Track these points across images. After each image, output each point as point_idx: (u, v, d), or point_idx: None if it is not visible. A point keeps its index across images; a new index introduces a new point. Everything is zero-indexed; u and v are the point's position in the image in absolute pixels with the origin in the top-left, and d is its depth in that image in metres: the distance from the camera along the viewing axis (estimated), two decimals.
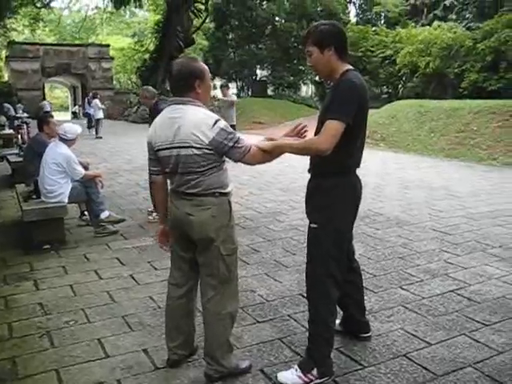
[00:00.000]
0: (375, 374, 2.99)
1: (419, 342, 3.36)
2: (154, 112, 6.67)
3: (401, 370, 3.04)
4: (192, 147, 2.68)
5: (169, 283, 3.13)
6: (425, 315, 3.76)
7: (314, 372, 2.88)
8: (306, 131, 2.93)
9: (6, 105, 23.34)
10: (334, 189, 2.82)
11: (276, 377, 2.93)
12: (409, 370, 3.02)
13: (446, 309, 3.86)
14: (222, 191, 2.83)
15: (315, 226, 2.87)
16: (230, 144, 2.70)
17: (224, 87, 12.79)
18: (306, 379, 2.87)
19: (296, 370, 2.90)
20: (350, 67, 2.82)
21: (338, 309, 3.17)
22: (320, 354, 2.92)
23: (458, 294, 4.13)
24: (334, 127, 2.62)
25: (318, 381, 2.89)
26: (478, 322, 3.64)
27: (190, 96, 2.77)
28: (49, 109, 24.45)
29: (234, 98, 12.93)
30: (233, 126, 11.40)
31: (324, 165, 2.83)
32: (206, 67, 2.88)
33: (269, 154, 2.84)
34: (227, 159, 2.85)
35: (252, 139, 3.03)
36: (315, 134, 2.80)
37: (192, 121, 2.69)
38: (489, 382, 2.89)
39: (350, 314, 3.39)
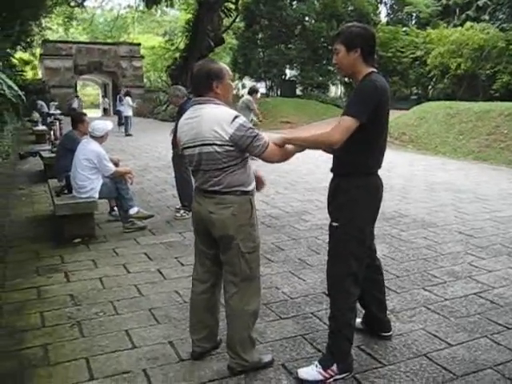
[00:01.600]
0: (395, 373, 3.04)
1: (440, 342, 3.39)
2: (182, 111, 6.78)
3: (420, 369, 3.07)
4: (213, 144, 2.77)
5: (193, 278, 3.23)
6: (447, 316, 3.78)
7: (334, 368, 2.94)
8: None
9: (40, 102, 23.81)
10: (356, 189, 2.88)
11: (297, 373, 2.99)
12: (428, 370, 3.06)
13: (469, 311, 3.88)
14: (244, 189, 2.89)
15: (336, 224, 2.94)
16: (250, 139, 2.78)
17: (254, 93, 13.02)
18: (326, 375, 2.93)
19: (316, 366, 2.97)
20: (375, 70, 2.88)
21: (358, 307, 3.24)
22: (340, 350, 2.98)
23: (481, 297, 4.14)
24: (347, 122, 2.70)
25: (339, 376, 2.95)
26: (501, 325, 3.65)
27: (209, 96, 2.87)
28: (76, 106, 24.93)
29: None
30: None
31: (347, 165, 2.91)
32: (226, 68, 2.97)
33: (284, 151, 2.92)
34: (255, 158, 2.93)
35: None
36: None
37: (212, 118, 2.79)
38: None
39: (371, 313, 3.44)
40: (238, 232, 2.88)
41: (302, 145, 2.93)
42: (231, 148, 2.78)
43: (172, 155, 7.00)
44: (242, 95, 19.93)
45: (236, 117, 2.78)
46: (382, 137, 2.92)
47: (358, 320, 3.58)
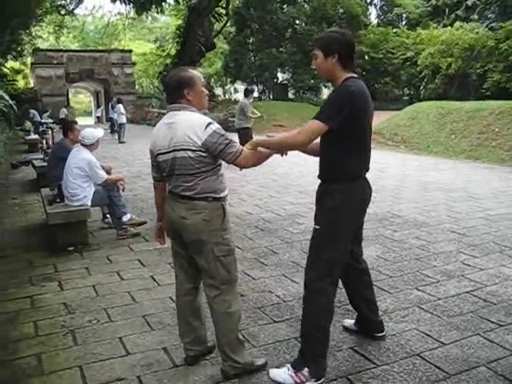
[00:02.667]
0: (388, 373, 3.05)
1: (433, 341, 3.41)
2: None
3: (414, 368, 3.09)
4: (187, 149, 2.82)
5: (176, 282, 3.25)
6: (439, 316, 3.80)
7: (305, 372, 2.90)
8: None
9: (32, 111, 23.79)
10: (340, 193, 2.87)
11: (268, 372, 2.99)
12: (422, 369, 3.07)
13: (461, 309, 3.90)
14: (216, 196, 2.93)
15: (318, 227, 2.94)
16: (222, 146, 2.82)
17: (250, 93, 13.07)
18: (296, 379, 2.90)
19: (288, 369, 2.95)
20: (354, 75, 2.88)
21: (351, 308, 3.24)
22: (311, 354, 2.95)
23: (474, 295, 4.16)
24: (313, 126, 2.72)
25: (312, 382, 2.91)
26: (493, 322, 3.67)
27: (181, 103, 2.93)
28: (63, 115, 24.95)
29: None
30: (247, 129, 12.02)
31: (331, 171, 2.93)
32: (198, 75, 3.00)
33: (258, 155, 2.94)
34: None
35: None
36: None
37: (186, 124, 2.84)
38: (502, 381, 2.92)
39: (362, 314, 3.45)
40: (210, 237, 2.92)
41: (270, 147, 2.93)
42: (204, 154, 2.82)
43: None
44: (235, 100, 19.96)
45: (209, 123, 2.83)
46: (365, 141, 2.93)
47: (351, 321, 3.61)
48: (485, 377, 2.97)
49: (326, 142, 2.90)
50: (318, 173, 3.05)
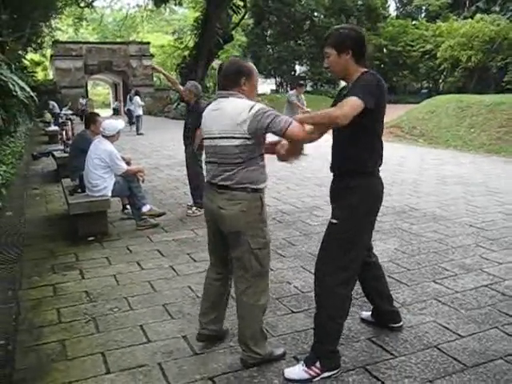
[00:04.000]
0: (406, 364, 3.07)
1: (451, 334, 3.42)
2: (193, 109, 6.81)
3: (431, 360, 3.11)
4: (231, 137, 2.82)
5: (209, 267, 3.33)
6: (457, 309, 3.81)
7: (318, 365, 2.92)
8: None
9: (51, 102, 24.02)
10: (362, 188, 2.87)
11: (283, 373, 2.98)
12: (439, 361, 3.09)
13: (479, 303, 3.90)
14: (255, 187, 2.91)
15: (335, 221, 2.90)
16: (270, 118, 2.76)
17: (298, 86, 13.22)
18: (311, 372, 2.92)
19: (302, 365, 2.97)
20: (367, 70, 2.87)
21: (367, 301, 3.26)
22: (322, 348, 2.96)
23: (492, 289, 4.16)
24: (354, 102, 2.61)
25: (326, 374, 2.93)
26: (511, 316, 3.67)
27: (234, 91, 2.93)
28: (80, 106, 25.16)
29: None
30: None
31: (355, 164, 2.89)
32: (255, 69, 3.05)
33: (308, 129, 2.81)
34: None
35: None
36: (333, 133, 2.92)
37: (232, 111, 2.84)
38: None
39: (377, 306, 3.49)
40: (247, 228, 2.92)
41: (312, 122, 2.78)
42: (249, 141, 2.82)
43: (186, 152, 7.04)
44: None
45: (253, 105, 2.81)
46: (380, 135, 2.92)
47: (368, 313, 3.63)
48: (502, 370, 2.98)
49: (349, 135, 2.83)
50: (335, 169, 3.04)
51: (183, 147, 7.06)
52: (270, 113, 2.78)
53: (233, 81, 2.93)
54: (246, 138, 2.81)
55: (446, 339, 3.35)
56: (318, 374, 2.92)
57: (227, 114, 2.84)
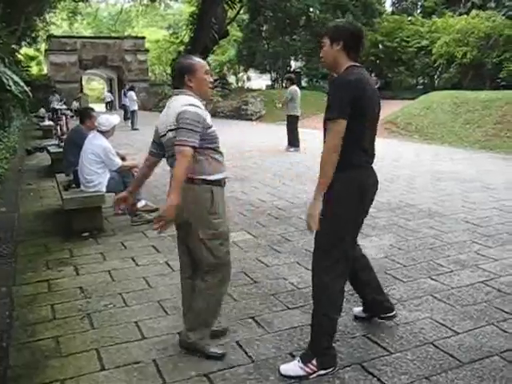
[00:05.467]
0: (402, 360, 3.07)
1: (446, 330, 3.42)
2: None
3: (427, 356, 3.11)
4: (172, 130, 2.96)
5: (180, 264, 3.35)
6: (453, 305, 3.80)
7: (314, 362, 2.91)
8: None
9: (57, 96, 24.10)
10: (341, 182, 2.81)
11: (278, 369, 2.96)
12: (435, 357, 3.09)
13: (475, 299, 3.90)
14: (204, 178, 2.98)
15: (321, 217, 2.84)
16: (180, 125, 2.88)
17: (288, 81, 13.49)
18: (307, 370, 2.90)
19: (298, 361, 2.95)
20: (356, 64, 2.88)
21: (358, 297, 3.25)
22: (319, 345, 2.95)
23: (488, 285, 4.16)
24: (335, 127, 2.71)
25: (322, 372, 2.92)
26: (507, 312, 3.67)
27: (183, 89, 3.09)
28: (75, 108, 25.02)
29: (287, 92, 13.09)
30: (296, 117, 12.76)
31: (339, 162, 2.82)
32: (201, 63, 3.13)
33: (185, 169, 2.85)
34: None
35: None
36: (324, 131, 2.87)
37: (175, 106, 3.00)
38: None
39: (368, 298, 3.46)
40: (196, 219, 3.01)
41: (327, 174, 2.78)
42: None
43: None
44: (247, 87, 19.92)
45: (190, 104, 2.94)
46: (365, 129, 2.87)
47: (359, 309, 3.61)
48: (498, 366, 2.98)
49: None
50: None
51: None
52: (187, 123, 2.87)
53: (178, 80, 3.12)
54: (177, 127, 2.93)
55: (442, 335, 3.35)
56: (314, 372, 2.91)
57: (172, 111, 3.00)
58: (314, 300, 3.01)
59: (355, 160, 2.87)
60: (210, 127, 3.02)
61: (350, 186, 2.87)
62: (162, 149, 3.18)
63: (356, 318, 3.62)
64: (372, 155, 2.99)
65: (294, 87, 12.86)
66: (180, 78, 3.09)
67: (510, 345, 3.22)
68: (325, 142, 2.80)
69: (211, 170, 3.01)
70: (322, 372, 2.92)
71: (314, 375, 2.91)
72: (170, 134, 2.98)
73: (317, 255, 2.99)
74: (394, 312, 3.49)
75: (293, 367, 2.95)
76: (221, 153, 3.11)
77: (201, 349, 3.15)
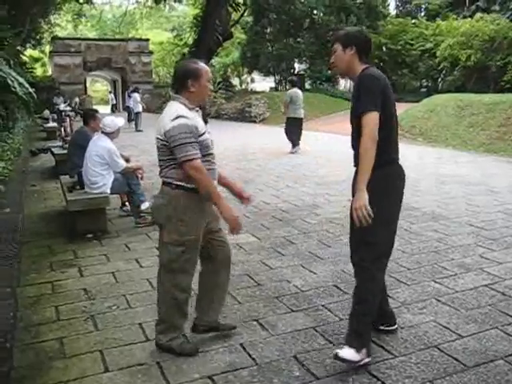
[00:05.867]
0: (406, 364, 3.06)
1: (451, 334, 3.41)
2: None
3: (432, 360, 3.10)
4: (158, 138, 3.05)
5: None
6: (457, 308, 3.80)
7: (364, 351, 3.01)
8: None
9: (61, 98, 24.11)
10: (383, 178, 2.97)
11: (336, 354, 2.98)
12: (439, 361, 3.08)
13: (479, 303, 3.89)
14: (180, 184, 3.03)
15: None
16: (175, 143, 2.93)
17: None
18: (359, 357, 2.98)
19: (351, 348, 3.00)
20: (368, 66, 3.04)
21: None
22: (367, 333, 3.08)
23: (492, 289, 4.15)
24: (371, 120, 2.85)
25: (367, 360, 3.02)
26: (511, 316, 3.66)
27: (182, 94, 3.09)
28: (73, 105, 24.90)
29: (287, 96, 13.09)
30: (296, 120, 12.58)
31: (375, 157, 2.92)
32: (205, 69, 3.12)
33: (204, 180, 2.99)
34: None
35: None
36: (352, 129, 3.05)
37: (164, 114, 3.06)
38: None
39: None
40: (166, 222, 3.10)
41: (366, 174, 2.87)
42: (167, 144, 2.99)
43: None
44: (251, 90, 19.92)
45: (178, 117, 2.95)
46: (394, 126, 3.06)
47: None
48: (503, 370, 2.98)
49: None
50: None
51: None
52: (179, 137, 2.92)
53: (180, 84, 3.09)
54: (164, 140, 2.99)
55: (447, 339, 3.35)
56: (363, 359, 3.00)
57: (162, 117, 3.06)
58: (364, 290, 3.06)
59: (393, 154, 3.08)
60: (201, 134, 3.05)
61: (393, 179, 3.07)
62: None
63: None
64: (398, 150, 3.16)
65: (294, 89, 12.86)
66: (183, 81, 3.07)
67: None
68: (361, 136, 2.89)
69: (182, 176, 3.03)
70: (368, 360, 3.02)
71: (362, 362, 3.00)
72: (156, 142, 3.09)
73: (364, 248, 3.05)
74: (396, 326, 3.46)
75: (351, 353, 2.98)
76: (210, 161, 3.12)
77: (173, 349, 3.22)
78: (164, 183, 3.10)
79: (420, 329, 3.50)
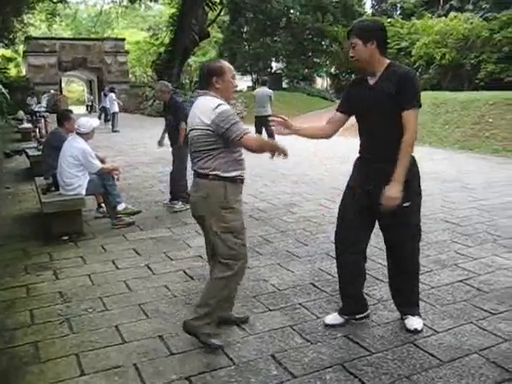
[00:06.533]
0: (383, 360, 3.08)
1: (427, 329, 3.44)
2: (170, 105, 6.92)
3: (408, 356, 3.12)
4: (196, 129, 3.17)
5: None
6: (433, 304, 3.83)
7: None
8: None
9: (35, 99, 23.71)
10: (415, 167, 3.32)
11: (416, 329, 3.37)
12: (415, 357, 3.11)
13: (455, 298, 3.93)
14: (219, 174, 3.14)
15: (408, 204, 3.20)
16: (228, 125, 3.06)
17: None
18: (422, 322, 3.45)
19: (416, 317, 3.44)
20: (393, 62, 3.20)
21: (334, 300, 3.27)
22: (418, 300, 3.54)
23: (467, 284, 4.20)
24: (415, 117, 3.14)
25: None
26: (486, 310, 3.71)
27: (208, 90, 3.24)
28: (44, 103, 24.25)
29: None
30: (256, 118, 13.01)
31: (393, 151, 3.14)
32: (228, 66, 3.30)
33: (260, 141, 3.32)
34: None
35: None
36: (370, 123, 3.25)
37: (200, 107, 3.20)
38: (494, 368, 2.96)
39: (358, 289, 3.55)
40: (209, 213, 3.18)
41: (404, 172, 3.14)
42: (211, 133, 3.10)
43: (172, 149, 7.09)
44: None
45: (219, 105, 3.11)
46: None
47: (333, 316, 3.57)
48: (477, 364, 3.01)
49: (393, 124, 3.13)
50: (378, 156, 3.25)
51: (162, 146, 7.23)
52: (230, 119, 3.08)
53: (205, 82, 3.26)
54: (208, 130, 3.10)
55: (422, 335, 3.38)
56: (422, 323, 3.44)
57: (198, 110, 3.19)
58: (414, 267, 3.47)
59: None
60: None
61: (418, 169, 3.38)
62: None
63: (329, 326, 3.52)
64: None
65: (258, 89, 13.14)
66: (208, 79, 3.23)
67: (489, 343, 3.25)
68: (407, 129, 3.12)
69: (226, 167, 3.16)
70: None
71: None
72: (194, 133, 3.18)
73: (413, 236, 3.40)
74: (368, 311, 3.59)
75: (419, 322, 3.42)
76: (239, 151, 3.25)
77: (200, 336, 3.20)
78: (199, 175, 3.21)
79: (396, 325, 3.52)
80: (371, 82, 3.20)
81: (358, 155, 3.45)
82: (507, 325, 3.48)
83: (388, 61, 3.16)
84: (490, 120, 13.55)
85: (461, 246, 5.19)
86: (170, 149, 7.13)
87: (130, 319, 3.72)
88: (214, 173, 3.14)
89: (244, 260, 3.30)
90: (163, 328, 3.57)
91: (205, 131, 3.11)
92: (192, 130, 3.21)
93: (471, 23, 25.65)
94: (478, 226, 5.87)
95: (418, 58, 27.36)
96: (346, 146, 8.74)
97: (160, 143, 7.50)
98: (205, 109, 3.13)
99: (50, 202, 5.76)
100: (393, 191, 3.07)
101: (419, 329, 3.37)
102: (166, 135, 7.27)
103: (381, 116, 3.14)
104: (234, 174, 3.19)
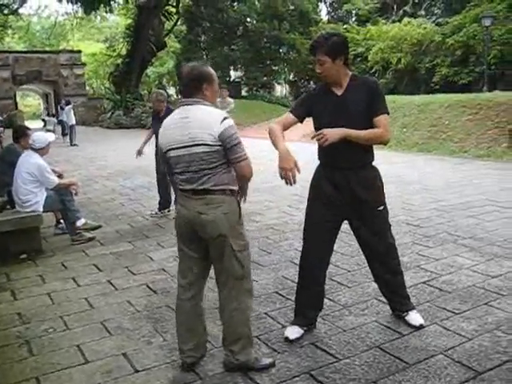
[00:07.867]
0: (350, 366, 3.08)
1: (392, 333, 3.46)
2: (166, 114, 6.78)
3: (375, 360, 3.13)
4: (205, 144, 2.81)
5: (179, 286, 3.16)
6: None
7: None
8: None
9: None
10: (378, 174, 3.48)
11: (421, 325, 3.49)
12: (382, 361, 3.11)
13: (418, 300, 3.97)
14: (232, 188, 2.95)
15: (381, 207, 3.44)
16: (233, 143, 2.83)
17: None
18: None
19: (414, 312, 3.59)
20: (353, 72, 3.33)
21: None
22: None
23: (430, 285, 4.25)
24: (388, 120, 3.29)
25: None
26: (449, 310, 3.75)
27: (197, 97, 2.93)
28: None
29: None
30: None
31: (371, 154, 3.47)
32: (214, 72, 3.05)
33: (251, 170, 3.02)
34: None
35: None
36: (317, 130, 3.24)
37: (202, 119, 2.84)
38: (458, 368, 2.99)
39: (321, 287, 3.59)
40: (230, 231, 2.92)
41: (357, 139, 3.21)
42: (220, 148, 2.83)
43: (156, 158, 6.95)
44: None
45: (226, 118, 2.85)
46: None
47: (294, 328, 3.48)
48: (442, 364, 3.04)
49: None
50: (344, 163, 3.32)
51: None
52: (236, 136, 2.85)
53: (195, 87, 2.92)
54: (217, 144, 2.82)
55: (388, 338, 3.39)
56: None
57: (198, 122, 2.84)
58: (396, 266, 3.60)
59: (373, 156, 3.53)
60: None
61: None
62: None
63: (290, 341, 3.41)
64: None
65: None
66: (198, 85, 2.92)
67: (453, 342, 3.28)
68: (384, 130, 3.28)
69: (233, 180, 2.98)
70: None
71: None
72: (197, 149, 2.82)
73: (388, 236, 3.57)
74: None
75: (419, 317, 3.57)
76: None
77: (251, 366, 3.05)
78: (215, 191, 2.89)
79: (362, 330, 3.53)
80: (338, 92, 3.23)
81: (320, 162, 3.44)
82: (469, 323, 3.53)
83: (350, 72, 3.26)
84: (446, 122, 13.88)
85: (422, 247, 5.26)
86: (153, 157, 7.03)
87: (93, 337, 3.62)
88: (229, 188, 2.94)
89: (250, 276, 3.13)
90: (127, 345, 3.48)
91: (215, 147, 2.81)
92: (194, 145, 2.83)
93: (424, 28, 26.32)
94: (439, 226, 5.96)
95: (375, 63, 27.88)
96: (303, 152, 8.80)
97: (139, 152, 7.36)
98: (209, 121, 2.82)
99: (5, 220, 5.59)
100: (338, 131, 3.11)
101: (424, 323, 3.52)
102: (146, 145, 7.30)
103: (349, 124, 3.14)
104: (236, 186, 3.03)
